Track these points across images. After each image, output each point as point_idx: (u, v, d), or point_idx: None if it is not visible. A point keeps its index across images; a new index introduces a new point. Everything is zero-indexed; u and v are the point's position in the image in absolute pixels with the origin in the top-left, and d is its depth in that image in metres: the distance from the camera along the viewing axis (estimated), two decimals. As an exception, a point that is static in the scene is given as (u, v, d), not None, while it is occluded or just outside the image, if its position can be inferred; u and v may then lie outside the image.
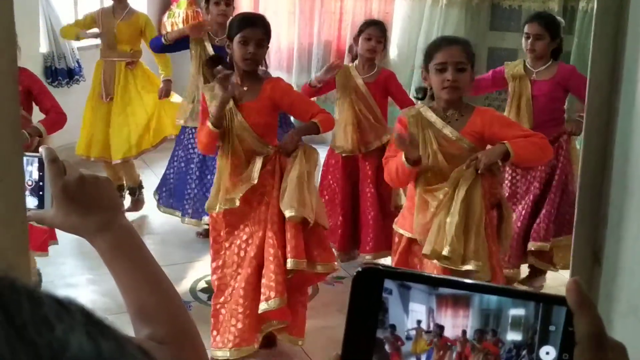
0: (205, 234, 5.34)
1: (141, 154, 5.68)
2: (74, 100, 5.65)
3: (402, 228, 3.35)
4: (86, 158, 5.61)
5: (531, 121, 4.33)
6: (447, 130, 3.17)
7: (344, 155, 4.78)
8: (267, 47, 3.65)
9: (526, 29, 4.46)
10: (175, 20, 7.85)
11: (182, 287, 4.62)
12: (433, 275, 0.70)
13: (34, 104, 4.15)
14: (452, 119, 3.19)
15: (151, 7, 7.95)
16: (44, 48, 6.54)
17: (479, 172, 3.09)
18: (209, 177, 5.00)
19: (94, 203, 1.12)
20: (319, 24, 7.99)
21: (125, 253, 1.12)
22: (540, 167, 4.39)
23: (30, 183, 1.12)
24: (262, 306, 3.48)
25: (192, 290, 4.58)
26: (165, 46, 5.19)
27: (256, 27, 3.55)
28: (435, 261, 3.15)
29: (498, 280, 3.22)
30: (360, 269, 0.65)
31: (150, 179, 6.42)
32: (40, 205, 1.13)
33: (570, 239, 4.27)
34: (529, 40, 4.43)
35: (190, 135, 5.18)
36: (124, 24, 5.40)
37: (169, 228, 5.40)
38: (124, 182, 5.78)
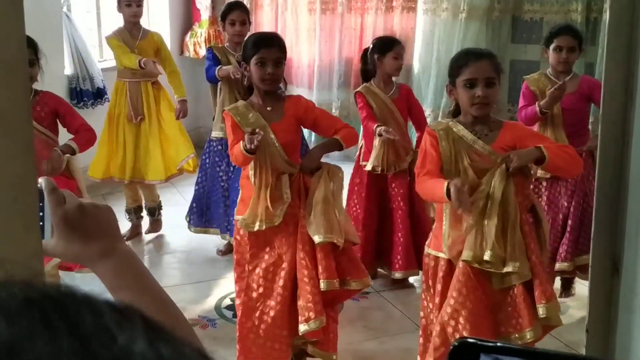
0: (225, 251, 5.38)
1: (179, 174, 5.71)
2: (99, 120, 5.70)
3: (437, 250, 3.26)
4: (101, 180, 5.63)
5: (561, 134, 4.29)
6: (479, 145, 3.11)
7: (372, 173, 4.76)
8: (284, 65, 3.62)
9: (558, 42, 4.41)
10: (198, 40, 7.93)
11: (207, 304, 4.64)
12: (531, 349, 0.70)
13: (60, 125, 4.19)
14: (481, 134, 3.14)
15: (173, 27, 8.04)
16: (68, 70, 6.62)
17: (510, 171, 3.03)
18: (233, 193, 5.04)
19: (94, 231, 1.13)
20: (339, 40, 8.02)
21: (127, 278, 1.14)
22: (568, 181, 4.36)
23: None
24: (302, 328, 3.44)
25: (217, 308, 4.59)
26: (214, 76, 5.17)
27: (272, 47, 3.53)
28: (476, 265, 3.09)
29: (540, 279, 3.16)
30: (456, 343, 0.64)
31: (175, 197, 6.48)
32: (42, 235, 1.13)
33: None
34: (561, 53, 4.40)
35: (217, 148, 5.22)
36: (143, 43, 5.44)
37: (193, 246, 5.43)
38: (142, 202, 5.79)
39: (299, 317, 3.46)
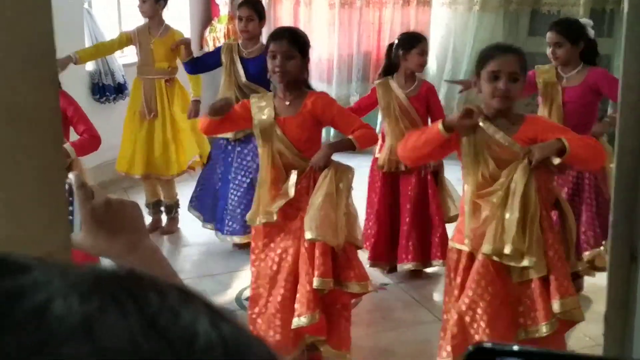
0: (240, 245, 5.42)
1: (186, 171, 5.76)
2: (120, 115, 5.76)
3: (460, 243, 3.27)
4: (126, 174, 5.70)
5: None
6: (499, 136, 3.11)
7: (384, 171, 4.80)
8: (301, 59, 3.58)
9: (547, 38, 4.46)
10: (217, 35, 7.97)
11: (227, 296, 4.69)
12: (548, 351, 0.70)
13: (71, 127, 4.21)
14: (502, 128, 3.14)
15: (193, 23, 8.09)
16: (89, 65, 6.67)
17: (532, 165, 3.03)
18: (236, 193, 5.11)
19: (120, 226, 1.17)
20: (358, 34, 8.04)
21: (152, 272, 1.15)
22: (570, 173, 4.37)
23: None
24: (295, 322, 3.49)
25: (237, 300, 4.63)
26: (197, 67, 5.31)
27: (281, 40, 3.54)
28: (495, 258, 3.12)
29: (556, 274, 3.16)
30: (471, 348, 0.64)
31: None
32: (71, 229, 1.16)
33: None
34: (550, 48, 4.43)
35: (224, 148, 5.28)
36: (160, 41, 5.45)
37: (213, 239, 5.47)
38: (161, 197, 5.85)
39: (294, 312, 3.51)
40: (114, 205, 1.17)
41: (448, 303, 3.38)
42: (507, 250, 3.05)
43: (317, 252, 3.47)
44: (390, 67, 4.80)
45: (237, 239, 5.23)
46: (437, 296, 4.67)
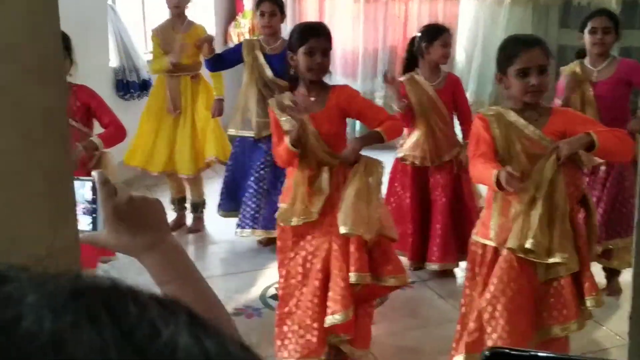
0: (265, 242, 5.39)
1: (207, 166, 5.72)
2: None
3: (485, 237, 3.22)
4: (142, 170, 5.68)
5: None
6: (529, 130, 3.07)
7: (414, 165, 4.73)
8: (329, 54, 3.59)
9: (592, 23, 4.36)
10: (241, 31, 7.95)
11: (252, 294, 4.66)
12: (563, 356, 0.68)
13: (95, 120, 4.21)
14: (531, 120, 3.09)
15: (218, 18, 8.07)
16: (114, 62, 6.68)
17: (561, 161, 2.98)
18: (271, 190, 5.05)
19: (143, 223, 1.16)
20: (383, 28, 7.98)
21: (173, 269, 1.16)
22: (602, 169, 4.29)
23: (83, 206, 1.17)
24: (328, 320, 3.44)
25: (262, 297, 4.60)
26: (218, 64, 5.27)
27: (320, 37, 3.51)
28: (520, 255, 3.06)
29: (589, 271, 3.13)
30: (487, 353, 0.63)
31: (220, 188, 6.50)
32: (94, 227, 1.17)
33: (626, 241, 4.17)
34: (596, 35, 4.32)
35: (244, 145, 5.24)
36: (184, 36, 5.41)
37: (238, 237, 5.44)
38: (187, 194, 5.82)
39: (327, 309, 3.46)
40: (137, 202, 1.17)
41: (468, 296, 3.33)
42: (528, 244, 3.00)
43: (351, 248, 3.43)
44: (411, 61, 4.74)
45: (244, 233, 5.19)
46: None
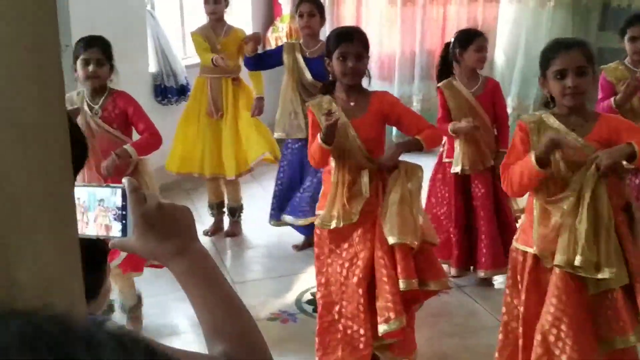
0: (300, 247, 5.39)
1: (248, 171, 5.73)
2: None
3: (526, 245, 3.16)
4: (188, 174, 5.69)
5: None
6: (571, 137, 2.99)
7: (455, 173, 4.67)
8: (368, 59, 3.57)
9: (631, 32, 4.29)
10: (279, 35, 7.97)
11: (288, 299, 4.66)
12: None
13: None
14: (575, 126, 3.02)
15: (255, 23, 8.11)
16: (153, 67, 6.74)
17: (600, 171, 2.90)
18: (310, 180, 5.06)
19: (171, 230, 1.18)
20: (421, 32, 7.93)
21: (199, 276, 1.18)
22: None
23: (114, 212, 1.19)
24: (382, 328, 3.40)
25: (298, 302, 4.60)
26: (258, 64, 5.29)
27: (353, 41, 3.49)
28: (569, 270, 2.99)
29: (636, 284, 3.02)
30: None
31: (258, 192, 6.53)
32: (124, 233, 1.19)
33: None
34: (636, 43, 4.26)
35: (293, 148, 5.24)
36: (226, 40, 5.46)
37: (275, 241, 5.46)
38: (225, 198, 5.84)
39: (378, 318, 3.42)
40: (166, 209, 1.18)
41: (509, 304, 3.27)
42: (577, 261, 2.93)
43: (398, 256, 3.40)
44: (445, 68, 4.69)
45: (290, 219, 5.20)
46: (500, 300, 4.54)
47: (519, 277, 3.21)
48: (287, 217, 5.22)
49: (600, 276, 2.94)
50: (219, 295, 1.17)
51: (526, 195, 3.26)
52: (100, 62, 3.89)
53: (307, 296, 4.64)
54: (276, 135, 5.32)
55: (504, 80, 7.55)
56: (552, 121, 3.05)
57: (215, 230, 5.77)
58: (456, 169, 4.63)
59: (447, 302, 4.52)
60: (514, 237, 3.29)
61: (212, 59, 5.29)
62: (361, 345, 3.50)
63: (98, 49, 3.89)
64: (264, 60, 5.40)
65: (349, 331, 3.52)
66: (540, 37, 7.26)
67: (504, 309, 3.32)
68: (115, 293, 4.21)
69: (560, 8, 7.24)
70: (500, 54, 7.68)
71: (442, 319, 4.34)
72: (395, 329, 3.39)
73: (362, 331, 3.49)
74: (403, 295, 3.44)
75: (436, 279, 3.53)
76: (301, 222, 5.12)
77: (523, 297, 3.15)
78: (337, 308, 3.57)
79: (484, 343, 4.05)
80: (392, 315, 3.38)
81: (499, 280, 4.79)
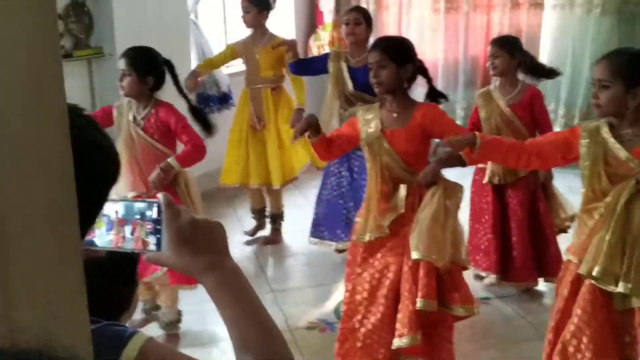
0: (342, 249, 5.39)
1: (292, 180, 5.74)
2: (225, 125, 5.81)
3: (572, 254, 3.12)
4: (241, 185, 5.71)
5: None
6: (618, 148, 2.94)
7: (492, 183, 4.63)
8: (396, 68, 3.42)
9: None
10: (321, 43, 7.98)
11: (327, 307, 4.66)
12: None
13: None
14: (624, 138, 2.96)
15: (298, 31, 8.13)
16: (195, 76, 6.80)
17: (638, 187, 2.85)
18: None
19: (204, 245, 1.19)
20: (464, 39, 7.88)
21: (230, 291, 1.20)
22: None
23: (150, 227, 1.22)
24: (395, 342, 3.39)
25: (336, 311, 4.59)
26: (302, 68, 5.29)
27: (373, 51, 3.47)
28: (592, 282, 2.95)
29: None
30: None
31: (298, 200, 6.55)
32: (159, 247, 1.21)
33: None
34: None
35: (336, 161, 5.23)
36: (265, 50, 5.45)
37: (315, 249, 5.45)
38: (267, 205, 5.86)
39: (395, 331, 3.40)
40: (200, 225, 1.20)
41: (551, 320, 3.21)
42: (595, 272, 2.89)
43: (421, 272, 3.35)
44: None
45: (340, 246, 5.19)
46: (542, 312, 4.49)
47: (557, 285, 3.19)
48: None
49: (617, 290, 2.88)
50: (249, 311, 1.19)
51: (574, 204, 3.21)
52: (125, 73, 3.90)
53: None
54: None
55: (548, 87, 7.47)
56: (604, 131, 3.00)
57: (256, 231, 5.81)
58: (485, 179, 4.59)
59: (485, 312, 4.47)
60: (567, 248, 3.22)
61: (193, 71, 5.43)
62: (380, 357, 3.48)
63: (125, 61, 3.90)
64: (308, 65, 5.41)
65: (368, 341, 3.51)
66: (586, 44, 7.17)
67: (549, 325, 3.26)
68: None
69: (606, 15, 7.13)
70: (544, 61, 7.58)
71: (480, 330, 4.30)
72: (406, 345, 3.35)
73: (382, 342, 3.47)
74: (427, 316, 3.40)
75: (461, 304, 3.43)
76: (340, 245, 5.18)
77: (560, 305, 3.10)
78: (359, 317, 3.55)
79: (524, 355, 4.01)
80: (405, 331, 3.34)
81: (540, 292, 4.73)
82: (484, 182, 4.63)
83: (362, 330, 3.53)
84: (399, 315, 3.40)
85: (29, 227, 0.67)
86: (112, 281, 1.90)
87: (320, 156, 3.81)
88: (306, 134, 3.55)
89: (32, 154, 0.68)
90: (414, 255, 3.33)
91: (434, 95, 3.64)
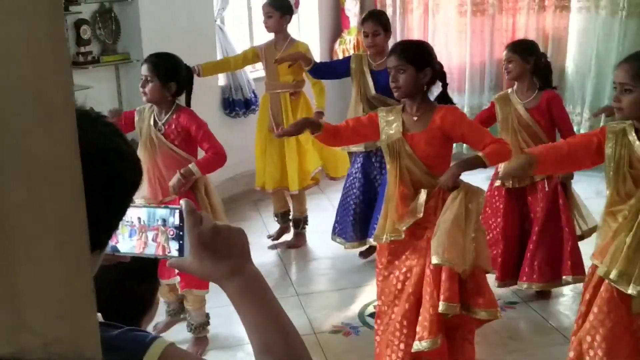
0: (366, 254, 5.39)
1: (312, 185, 5.75)
2: (251, 129, 5.85)
3: (595, 257, 3.11)
4: (262, 190, 5.74)
5: None
6: None
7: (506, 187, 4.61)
8: (415, 72, 3.41)
9: None
10: (347, 47, 7.99)
11: (351, 311, 4.66)
12: None
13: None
14: None
15: (323, 34, 8.15)
16: (222, 81, 6.85)
17: None
18: (372, 199, 5.06)
19: (226, 251, 1.21)
20: (490, 41, 7.85)
21: (251, 296, 1.22)
22: None
23: (172, 233, 1.24)
24: (415, 346, 3.39)
25: (361, 315, 4.60)
26: (322, 71, 5.29)
27: (392, 55, 3.47)
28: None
29: None
30: None
31: (323, 203, 6.56)
32: (181, 253, 1.23)
33: None
34: None
35: (357, 161, 5.25)
36: (284, 54, 5.46)
37: (339, 252, 5.47)
38: (290, 208, 5.88)
39: (416, 334, 3.40)
40: (221, 231, 1.21)
41: (575, 325, 3.20)
42: (612, 275, 2.89)
43: (443, 276, 3.34)
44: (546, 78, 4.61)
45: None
46: (568, 316, 4.47)
47: (584, 291, 3.17)
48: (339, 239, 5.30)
49: (629, 291, 2.89)
50: (269, 317, 1.21)
51: (595, 214, 3.20)
52: (147, 79, 3.92)
53: (370, 309, 4.63)
54: (351, 148, 5.29)
55: (574, 89, 7.41)
56: (631, 133, 2.98)
57: (280, 235, 5.83)
58: (496, 182, 4.58)
59: (511, 316, 4.46)
60: (593, 252, 3.19)
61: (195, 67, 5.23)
62: (399, 358, 3.48)
63: (148, 66, 3.92)
64: (329, 68, 5.42)
65: (390, 343, 3.52)
66: (612, 47, 7.11)
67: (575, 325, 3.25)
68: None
69: (632, 17, 7.06)
70: (570, 63, 7.53)
71: (505, 335, 4.28)
72: (426, 348, 3.35)
73: (402, 346, 3.48)
74: (450, 319, 3.39)
75: (484, 308, 3.41)
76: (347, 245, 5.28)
77: (583, 309, 3.10)
78: (386, 319, 3.58)
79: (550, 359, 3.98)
80: (425, 334, 3.34)
81: (565, 297, 4.70)
82: (496, 185, 4.63)
83: (387, 332, 3.55)
84: (420, 319, 3.40)
85: (38, 236, 0.69)
86: (135, 282, 1.94)
87: (329, 144, 3.89)
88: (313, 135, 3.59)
89: (39, 160, 0.69)
90: (435, 260, 3.33)
91: (445, 100, 3.62)
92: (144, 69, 3.93)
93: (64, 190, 0.68)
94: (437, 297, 3.34)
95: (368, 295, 4.85)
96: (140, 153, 4.01)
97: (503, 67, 4.56)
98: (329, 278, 5.31)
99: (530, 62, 4.43)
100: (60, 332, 0.66)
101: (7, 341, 0.66)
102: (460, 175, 3.43)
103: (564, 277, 4.49)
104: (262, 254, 5.56)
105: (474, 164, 3.42)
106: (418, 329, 3.39)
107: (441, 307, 3.32)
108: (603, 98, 7.25)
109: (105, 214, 0.77)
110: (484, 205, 4.67)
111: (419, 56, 3.47)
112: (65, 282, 0.68)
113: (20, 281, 0.65)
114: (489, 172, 4.56)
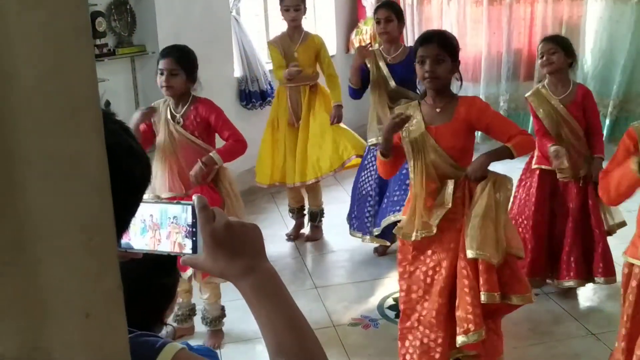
0: (381, 252, 5.35)
1: (324, 176, 5.68)
2: (266, 121, 5.82)
3: (633, 257, 3.04)
4: (268, 186, 5.70)
5: None
6: None
7: (543, 177, 4.53)
8: (452, 63, 3.38)
9: None
10: (363, 37, 7.95)
11: (370, 304, 4.63)
12: None
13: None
14: None
15: (339, 25, 8.12)
16: (237, 73, 6.82)
17: None
18: (387, 193, 5.01)
19: (240, 248, 1.18)
20: (507, 31, 7.78)
21: (266, 295, 1.18)
22: None
23: (185, 229, 1.20)
24: (460, 339, 3.34)
25: (380, 308, 4.57)
26: (359, 90, 5.17)
27: (430, 44, 3.35)
28: None
29: None
30: None
31: (340, 195, 6.53)
32: (194, 249, 1.19)
33: None
34: None
35: (370, 151, 5.21)
36: (302, 47, 5.44)
37: (356, 245, 5.44)
38: (306, 203, 5.84)
39: (457, 328, 3.35)
40: (234, 228, 1.18)
41: (621, 327, 3.12)
42: None
43: (480, 267, 3.31)
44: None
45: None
46: (590, 309, 4.42)
47: (623, 290, 3.11)
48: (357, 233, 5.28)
49: None
50: (284, 314, 1.18)
51: (623, 209, 3.13)
52: (173, 73, 3.88)
53: (390, 301, 4.61)
54: (369, 141, 5.25)
55: (587, 78, 7.32)
56: None
57: (297, 232, 5.80)
58: (559, 176, 4.47)
59: (532, 309, 4.39)
60: (624, 250, 3.14)
61: (284, 75, 5.29)
62: (437, 355, 3.44)
63: (172, 60, 3.88)
64: (361, 83, 5.19)
65: (425, 340, 3.47)
66: (623, 33, 7.04)
67: (619, 332, 3.17)
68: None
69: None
70: (587, 52, 7.46)
71: (527, 327, 4.24)
72: (474, 341, 3.32)
73: (439, 340, 3.43)
74: (486, 307, 3.36)
75: (519, 294, 3.40)
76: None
77: (630, 311, 3.03)
78: (416, 315, 3.52)
79: (571, 352, 3.95)
80: (471, 327, 3.30)
81: (586, 288, 4.65)
82: (534, 177, 4.56)
83: (421, 328, 3.50)
84: (460, 313, 3.35)
85: (64, 231, 0.66)
86: (159, 275, 1.94)
87: (389, 172, 3.64)
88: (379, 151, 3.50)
89: (64, 154, 0.67)
90: (470, 254, 3.29)
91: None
92: (168, 63, 3.87)
93: (90, 185, 0.66)
94: (478, 289, 3.31)
95: (387, 287, 4.82)
96: (159, 150, 4.00)
97: (539, 59, 4.41)
98: (346, 270, 5.28)
99: (572, 57, 4.38)
100: (88, 336, 0.64)
101: (31, 340, 0.64)
102: (489, 165, 3.39)
103: (596, 277, 4.45)
104: (280, 246, 5.54)
105: (503, 154, 3.39)
106: (460, 322, 3.34)
107: (483, 297, 3.29)
108: (610, 84, 7.21)
109: (116, 211, 0.74)
110: (514, 199, 4.61)
111: (455, 47, 3.42)
112: (95, 277, 0.65)
113: (45, 279, 0.63)
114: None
